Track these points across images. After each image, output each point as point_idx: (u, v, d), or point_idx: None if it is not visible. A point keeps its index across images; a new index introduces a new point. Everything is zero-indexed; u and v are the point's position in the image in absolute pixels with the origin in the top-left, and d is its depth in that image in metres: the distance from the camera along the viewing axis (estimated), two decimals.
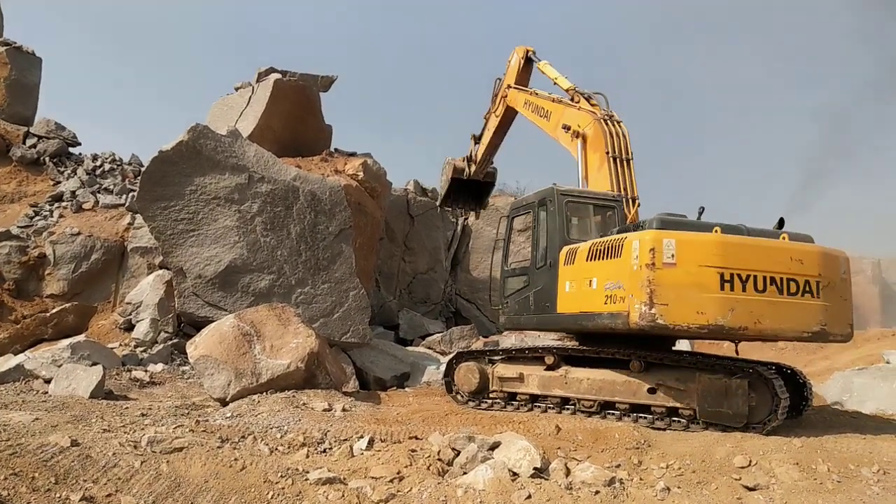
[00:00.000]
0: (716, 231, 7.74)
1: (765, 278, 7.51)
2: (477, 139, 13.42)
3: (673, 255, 7.43)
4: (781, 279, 7.56)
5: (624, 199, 9.12)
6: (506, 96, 12.21)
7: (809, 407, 8.91)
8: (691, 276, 7.38)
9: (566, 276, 8.50)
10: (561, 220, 8.94)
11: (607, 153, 9.30)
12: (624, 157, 9.29)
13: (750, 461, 6.09)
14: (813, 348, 16.28)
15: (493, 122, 12.70)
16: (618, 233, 8.15)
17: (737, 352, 9.23)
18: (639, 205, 9.13)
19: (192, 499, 5.15)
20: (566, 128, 9.94)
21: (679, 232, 7.77)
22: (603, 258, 7.93)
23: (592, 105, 10.03)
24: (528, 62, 12.16)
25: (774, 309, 7.50)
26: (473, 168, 13.69)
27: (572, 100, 10.39)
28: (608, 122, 9.55)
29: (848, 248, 8.37)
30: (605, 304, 7.78)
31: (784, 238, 7.99)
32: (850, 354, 14.78)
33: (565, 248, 8.62)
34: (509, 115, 12.36)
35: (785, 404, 7.42)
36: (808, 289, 7.62)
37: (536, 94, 11.26)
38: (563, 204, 8.92)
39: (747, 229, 8.06)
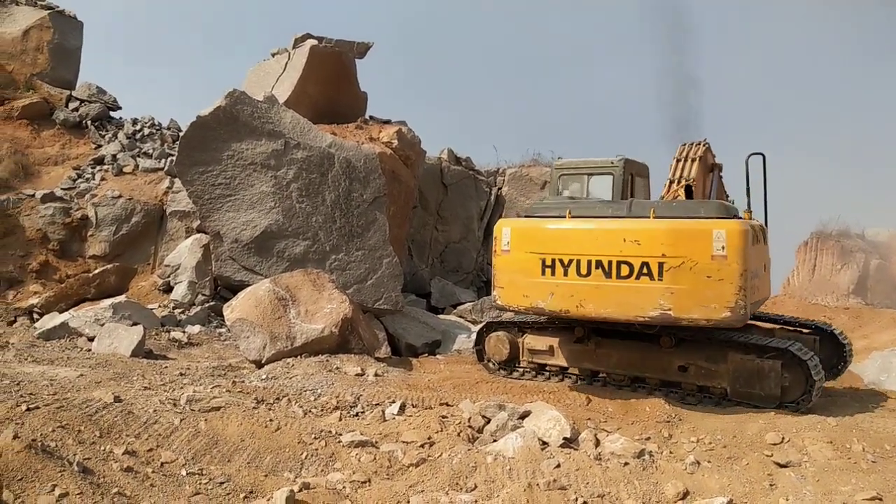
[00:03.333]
0: (568, 214, 7.99)
1: (589, 262, 7.61)
2: None
3: (508, 243, 8.21)
4: (610, 263, 7.50)
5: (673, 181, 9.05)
6: None
7: (846, 368, 8.83)
8: (520, 262, 8.06)
9: None
10: (553, 194, 9.19)
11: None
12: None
13: (782, 438, 6.06)
14: (851, 326, 15.96)
15: None
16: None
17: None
18: (680, 185, 8.99)
19: (229, 456, 5.31)
20: None
21: (516, 220, 8.71)
22: None
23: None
24: None
25: (599, 293, 7.56)
26: None
27: None
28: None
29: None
30: None
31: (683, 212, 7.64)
32: (889, 334, 14.48)
33: None
34: None
35: (819, 385, 7.32)
36: (645, 271, 7.29)
37: None
38: (556, 178, 9.07)
39: (633, 206, 7.90)
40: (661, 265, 7.24)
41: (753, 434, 6.27)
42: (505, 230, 8.31)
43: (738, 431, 6.39)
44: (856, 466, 5.42)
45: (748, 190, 8.46)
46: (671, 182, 9.11)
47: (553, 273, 7.82)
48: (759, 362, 7.48)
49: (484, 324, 10.23)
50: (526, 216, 8.62)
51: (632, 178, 8.85)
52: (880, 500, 4.64)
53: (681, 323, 7.30)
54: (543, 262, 7.89)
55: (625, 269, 7.42)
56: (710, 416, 7.16)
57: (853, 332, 15.74)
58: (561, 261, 7.79)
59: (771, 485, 5.15)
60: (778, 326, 8.95)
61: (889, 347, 11.15)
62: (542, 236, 8.04)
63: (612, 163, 8.79)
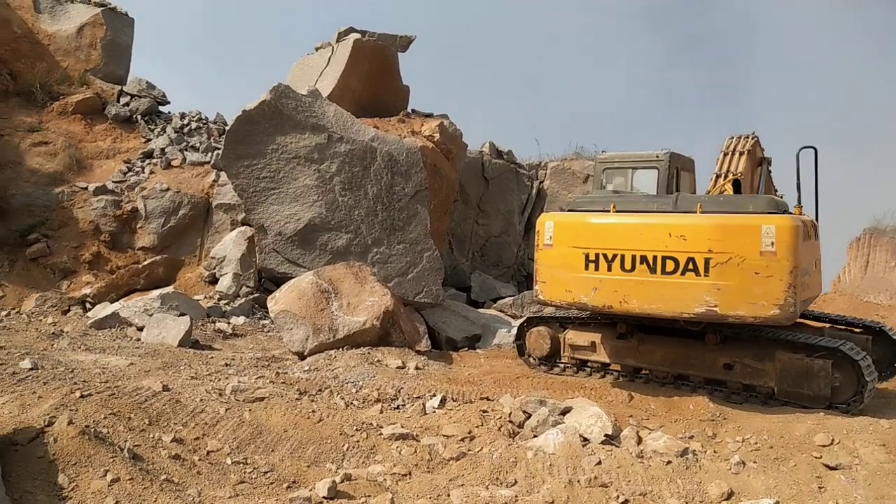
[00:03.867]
0: (612, 208, 7.84)
1: (634, 257, 7.45)
2: None
3: (551, 237, 8.09)
4: (655, 258, 7.32)
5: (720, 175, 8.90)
6: None
7: None
8: (563, 256, 7.94)
9: None
10: (596, 188, 9.20)
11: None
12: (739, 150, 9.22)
13: (832, 440, 5.90)
14: None
15: None
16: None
17: None
18: (727, 180, 8.83)
19: (273, 446, 5.40)
20: None
21: (559, 214, 8.58)
22: None
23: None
24: None
25: (643, 288, 7.39)
26: None
27: None
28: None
29: None
30: None
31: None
32: None
33: None
34: None
35: (872, 387, 7.09)
36: (690, 267, 7.10)
37: None
38: (600, 172, 9.01)
39: (676, 199, 7.76)
40: (707, 261, 7.06)
41: (801, 435, 6.11)
42: (548, 224, 8.22)
43: (785, 432, 6.24)
44: None
45: (798, 185, 8.22)
46: (718, 177, 8.92)
47: (597, 268, 7.71)
48: (809, 361, 7.26)
49: (525, 318, 10.18)
50: (569, 210, 8.54)
51: (677, 172, 8.69)
52: None
53: (727, 320, 7.12)
54: (587, 256, 7.77)
55: (670, 265, 7.26)
56: (755, 415, 7.00)
57: None
58: (605, 255, 7.67)
59: (820, 487, 5.02)
60: (828, 325, 8.70)
61: None
62: (585, 230, 7.92)
63: (658, 157, 8.64)
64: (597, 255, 7.72)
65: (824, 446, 5.82)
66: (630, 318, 8.24)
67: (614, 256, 7.61)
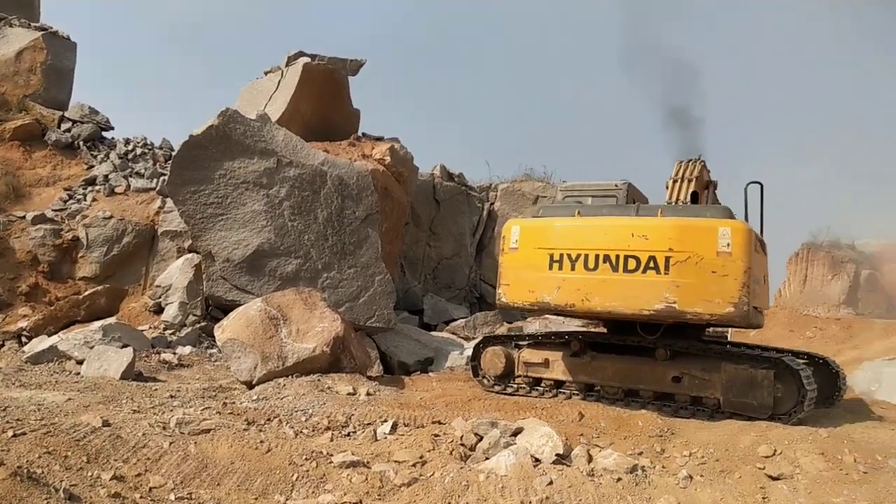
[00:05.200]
0: (577, 214, 8.27)
1: (597, 257, 7.78)
2: None
3: (517, 241, 8.41)
4: (617, 256, 7.66)
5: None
6: None
7: (841, 397, 8.85)
8: (527, 258, 8.26)
9: None
10: None
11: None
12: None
13: (775, 451, 6.05)
14: (842, 336, 16.01)
15: None
16: None
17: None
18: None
19: (219, 479, 5.26)
20: None
21: (526, 219, 9.02)
22: None
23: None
24: None
25: (605, 286, 7.72)
26: None
27: None
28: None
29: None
30: None
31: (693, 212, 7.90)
32: (881, 344, 14.52)
33: None
34: None
35: (812, 396, 7.36)
36: (651, 265, 7.47)
37: None
38: (561, 200, 9.33)
39: (637, 208, 8.21)
40: (667, 259, 7.41)
41: (746, 447, 6.26)
42: (514, 228, 8.54)
43: (730, 444, 6.37)
44: (847, 478, 5.42)
45: (746, 216, 8.63)
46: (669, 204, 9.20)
47: (560, 268, 7.98)
48: (752, 371, 7.56)
49: (480, 339, 10.24)
50: (533, 217, 8.80)
51: (634, 203, 8.98)
52: None
53: (685, 317, 7.39)
54: (551, 257, 8.06)
55: (632, 263, 7.58)
56: (702, 429, 7.14)
57: (844, 342, 15.83)
58: (569, 255, 7.95)
59: (764, 497, 5.14)
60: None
61: (879, 357, 11.17)
62: (551, 233, 8.23)
63: (616, 185, 8.99)
64: (561, 256, 8.00)
65: (767, 457, 5.96)
66: (590, 317, 8.46)
67: (578, 256, 7.89)
